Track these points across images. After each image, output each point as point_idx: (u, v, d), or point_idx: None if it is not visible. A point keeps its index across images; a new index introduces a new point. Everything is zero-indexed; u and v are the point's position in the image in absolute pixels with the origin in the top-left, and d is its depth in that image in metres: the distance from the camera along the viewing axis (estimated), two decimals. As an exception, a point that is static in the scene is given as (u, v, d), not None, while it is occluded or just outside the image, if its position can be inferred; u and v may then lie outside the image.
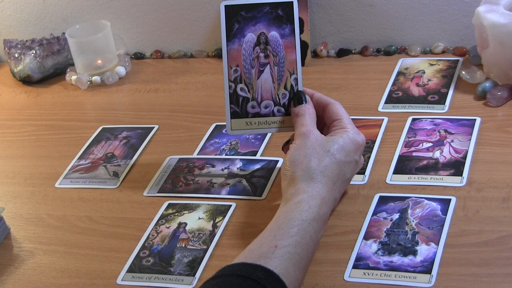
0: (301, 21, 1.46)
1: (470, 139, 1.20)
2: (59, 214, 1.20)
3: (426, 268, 0.98)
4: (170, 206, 1.17)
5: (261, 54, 1.13)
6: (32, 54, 1.58)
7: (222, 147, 1.29)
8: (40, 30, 1.67)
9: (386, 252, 1.01)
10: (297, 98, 1.12)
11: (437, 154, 1.18)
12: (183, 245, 1.08)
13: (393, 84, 1.39)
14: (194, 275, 1.03)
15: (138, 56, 1.64)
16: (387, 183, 1.14)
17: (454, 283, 0.95)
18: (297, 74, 1.13)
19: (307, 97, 1.12)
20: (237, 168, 1.22)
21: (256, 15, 1.13)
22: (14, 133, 1.44)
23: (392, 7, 1.49)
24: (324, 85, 1.43)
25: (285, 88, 1.13)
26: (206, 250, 1.07)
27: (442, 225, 1.04)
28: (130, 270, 1.06)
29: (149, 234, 1.12)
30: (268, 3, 1.12)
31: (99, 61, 1.56)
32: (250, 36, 1.13)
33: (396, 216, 1.07)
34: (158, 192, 1.20)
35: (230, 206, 1.15)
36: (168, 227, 1.12)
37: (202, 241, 1.09)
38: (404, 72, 1.42)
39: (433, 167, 1.15)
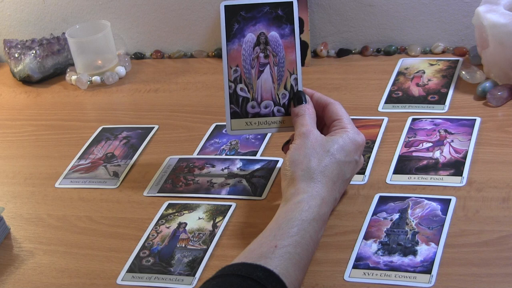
0: (301, 21, 1.46)
1: (470, 139, 1.20)
2: (59, 214, 1.20)
3: (426, 268, 0.98)
4: (170, 206, 1.17)
5: (261, 54, 1.13)
6: (32, 54, 1.58)
7: (222, 147, 1.29)
8: (40, 30, 1.67)
9: (386, 252, 1.01)
10: (297, 98, 1.12)
11: (437, 154, 1.18)
12: (183, 245, 1.08)
13: (393, 84, 1.39)
14: (194, 275, 1.03)
15: (138, 56, 1.64)
16: (387, 183, 1.14)
17: (454, 283, 0.95)
18: (297, 74, 1.13)
19: (307, 97, 1.12)
20: (237, 168, 1.22)
21: (256, 15, 1.13)
22: (14, 133, 1.44)
23: (392, 7, 1.49)
24: (324, 85, 1.43)
25: (285, 88, 1.13)
26: (206, 250, 1.07)
27: (442, 225, 1.04)
28: (130, 270, 1.06)
29: (149, 234, 1.12)
30: (268, 3, 1.12)
31: (99, 61, 1.56)
32: (250, 36, 1.13)
33: (396, 216, 1.07)
34: (158, 192, 1.20)
35: (230, 206, 1.15)
36: (168, 227, 1.12)
37: (202, 241, 1.09)
38: (404, 72, 1.42)
39: (433, 167, 1.15)
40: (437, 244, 1.01)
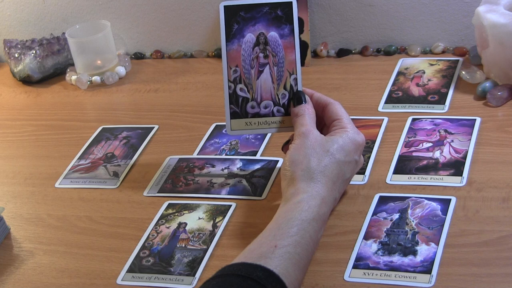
0: (301, 21, 1.46)
1: (470, 139, 1.20)
2: (59, 214, 1.20)
3: (426, 268, 0.98)
4: (170, 206, 1.17)
5: (261, 55, 1.13)
6: (32, 54, 1.58)
7: (222, 147, 1.29)
8: (40, 30, 1.67)
9: (386, 252, 1.01)
10: (296, 98, 1.12)
11: (437, 154, 1.18)
12: (183, 245, 1.08)
13: (393, 84, 1.39)
14: (194, 275, 1.03)
15: (138, 56, 1.64)
16: (387, 183, 1.14)
17: (454, 283, 0.95)
18: (296, 74, 1.13)
19: (307, 97, 1.12)
20: (237, 168, 1.22)
21: (255, 16, 1.13)
22: (14, 133, 1.44)
23: (392, 7, 1.49)
24: (324, 85, 1.43)
25: (285, 88, 1.13)
26: (206, 250, 1.07)
27: (442, 225, 1.04)
28: (130, 270, 1.06)
29: (149, 234, 1.12)
30: (267, 4, 1.12)
31: (99, 61, 1.56)
32: (250, 37, 1.13)
33: (396, 216, 1.07)
34: (158, 192, 1.20)
35: (230, 206, 1.15)
36: (168, 227, 1.12)
37: (202, 241, 1.09)
38: (404, 72, 1.42)
39: (433, 167, 1.15)
40: (437, 244, 1.01)
